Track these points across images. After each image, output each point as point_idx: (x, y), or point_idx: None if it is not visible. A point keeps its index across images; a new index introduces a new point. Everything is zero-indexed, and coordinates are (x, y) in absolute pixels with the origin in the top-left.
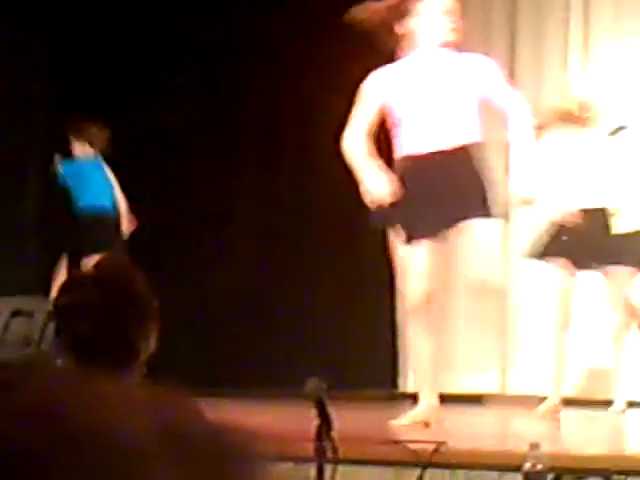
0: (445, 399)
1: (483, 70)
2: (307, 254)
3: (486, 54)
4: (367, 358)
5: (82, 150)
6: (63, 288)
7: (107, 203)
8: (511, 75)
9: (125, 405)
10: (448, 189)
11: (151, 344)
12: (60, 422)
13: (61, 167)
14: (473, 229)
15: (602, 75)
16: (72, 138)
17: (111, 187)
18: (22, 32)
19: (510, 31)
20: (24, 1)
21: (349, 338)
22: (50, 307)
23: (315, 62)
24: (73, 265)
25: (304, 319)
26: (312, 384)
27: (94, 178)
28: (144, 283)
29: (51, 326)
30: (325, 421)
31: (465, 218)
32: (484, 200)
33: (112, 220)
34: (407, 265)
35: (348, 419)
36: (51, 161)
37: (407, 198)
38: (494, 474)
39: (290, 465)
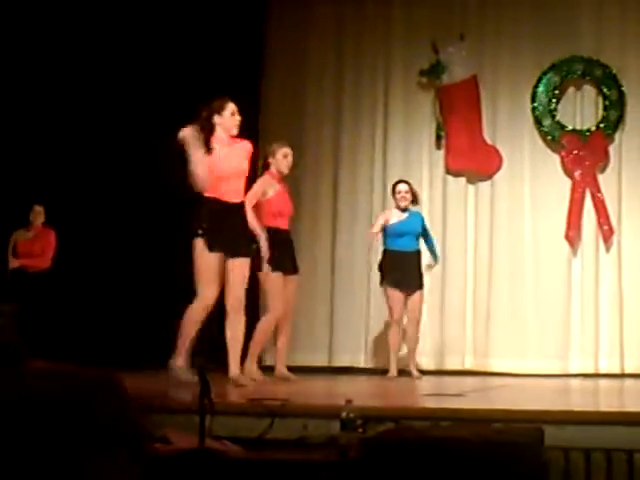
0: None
1: None
2: None
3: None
4: None
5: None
6: None
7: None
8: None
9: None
10: None
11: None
12: None
13: None
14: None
15: None
16: None
17: None
18: None
19: None
20: None
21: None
22: None
23: None
24: None
25: None
26: (197, 360)
27: None
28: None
29: None
30: (205, 385)
31: None
32: None
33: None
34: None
35: (223, 384)
36: None
37: None
38: (322, 421)
39: (181, 416)
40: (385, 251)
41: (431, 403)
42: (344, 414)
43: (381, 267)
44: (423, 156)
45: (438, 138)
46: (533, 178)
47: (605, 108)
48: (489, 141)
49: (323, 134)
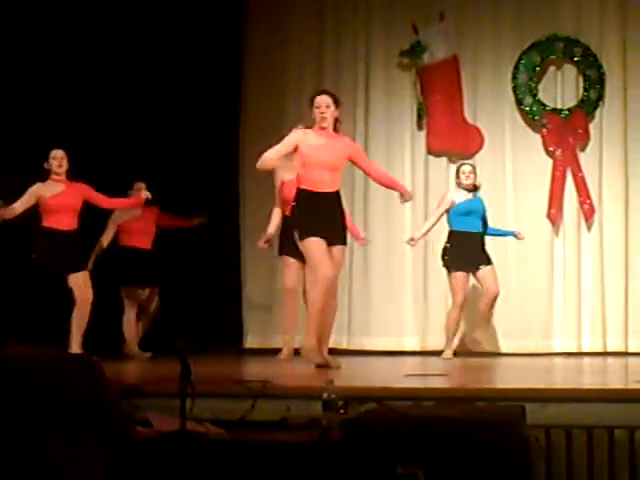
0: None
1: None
2: None
3: None
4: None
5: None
6: None
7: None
8: None
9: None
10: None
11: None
12: None
13: None
14: None
15: None
16: None
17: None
18: None
19: None
20: None
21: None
22: None
23: None
24: None
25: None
26: (177, 343)
27: None
28: None
29: None
30: (185, 368)
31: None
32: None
33: None
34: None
35: (205, 367)
36: None
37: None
38: (304, 402)
39: (164, 399)
40: (451, 232)
41: (413, 383)
42: (326, 395)
43: (446, 250)
44: (405, 136)
45: (419, 118)
46: (514, 157)
47: (585, 87)
48: (470, 121)
49: (304, 115)
